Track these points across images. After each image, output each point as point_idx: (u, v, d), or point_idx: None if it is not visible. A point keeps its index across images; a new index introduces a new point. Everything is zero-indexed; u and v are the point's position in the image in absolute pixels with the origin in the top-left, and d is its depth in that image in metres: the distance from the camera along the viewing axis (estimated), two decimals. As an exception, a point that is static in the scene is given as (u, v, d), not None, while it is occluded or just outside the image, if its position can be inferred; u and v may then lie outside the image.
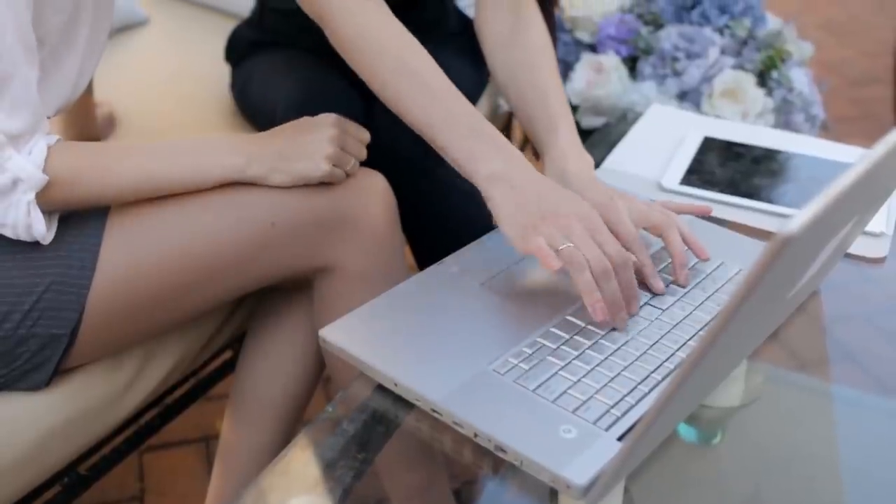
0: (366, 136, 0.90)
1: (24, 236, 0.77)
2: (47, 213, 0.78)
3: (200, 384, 1.14)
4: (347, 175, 0.88)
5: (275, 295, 1.01)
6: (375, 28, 0.83)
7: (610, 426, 0.64)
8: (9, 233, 0.77)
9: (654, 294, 0.78)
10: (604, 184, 0.85)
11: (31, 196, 0.76)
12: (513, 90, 0.99)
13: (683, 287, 0.79)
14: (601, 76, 1.43)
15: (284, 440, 1.00)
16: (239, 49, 1.33)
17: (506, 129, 1.66)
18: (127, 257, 0.81)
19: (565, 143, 0.91)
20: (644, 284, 0.79)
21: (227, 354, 1.15)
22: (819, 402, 0.78)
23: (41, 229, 0.77)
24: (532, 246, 0.73)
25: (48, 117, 0.81)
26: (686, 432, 0.71)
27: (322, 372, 1.03)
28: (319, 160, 0.84)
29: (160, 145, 0.84)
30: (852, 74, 2.92)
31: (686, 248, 0.81)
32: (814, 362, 0.80)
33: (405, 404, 0.69)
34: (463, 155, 0.79)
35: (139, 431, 1.05)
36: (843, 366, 0.79)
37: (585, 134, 1.17)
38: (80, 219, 0.82)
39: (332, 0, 0.83)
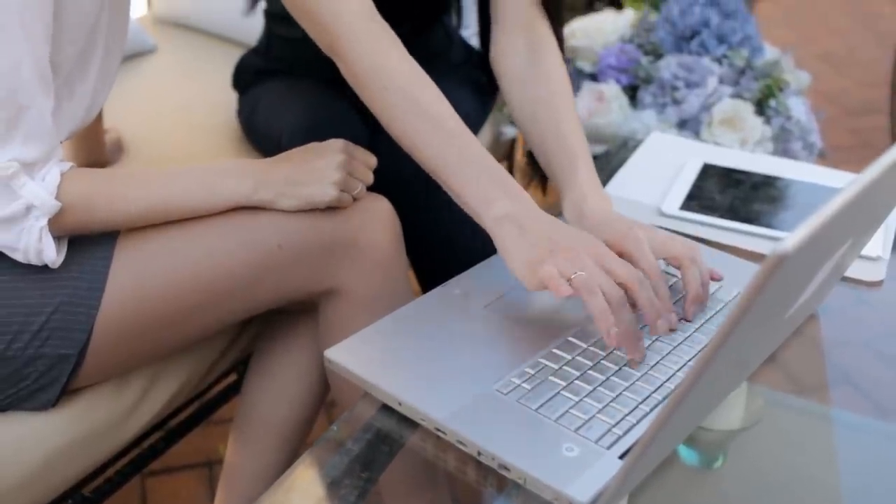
0: (373, 161, 0.91)
1: (34, 261, 0.79)
2: (57, 237, 0.80)
3: (205, 407, 1.15)
4: (354, 199, 0.90)
5: (280, 318, 1.02)
6: (390, 65, 0.84)
7: (612, 445, 0.65)
8: (20, 257, 0.78)
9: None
10: (623, 217, 0.85)
11: (44, 222, 0.77)
12: (531, 128, 1.00)
13: (689, 321, 0.80)
14: (602, 105, 1.45)
15: (288, 463, 1.01)
16: (246, 77, 1.36)
17: (508, 157, 1.68)
18: (135, 279, 0.83)
19: (584, 183, 0.91)
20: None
21: (232, 378, 1.16)
22: (820, 425, 0.78)
23: (51, 255, 0.79)
24: (542, 274, 0.73)
25: (59, 141, 0.82)
26: (688, 455, 0.71)
27: (326, 395, 1.04)
28: (327, 185, 0.86)
29: (169, 172, 0.85)
30: (850, 105, 2.95)
31: (700, 286, 0.80)
32: (813, 386, 0.80)
33: (409, 424, 0.70)
34: (472, 197, 0.80)
35: (143, 454, 1.06)
36: (842, 390, 0.80)
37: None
38: (89, 241, 0.83)
39: (347, 35, 0.84)
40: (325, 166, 0.86)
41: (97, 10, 0.82)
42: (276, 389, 1.01)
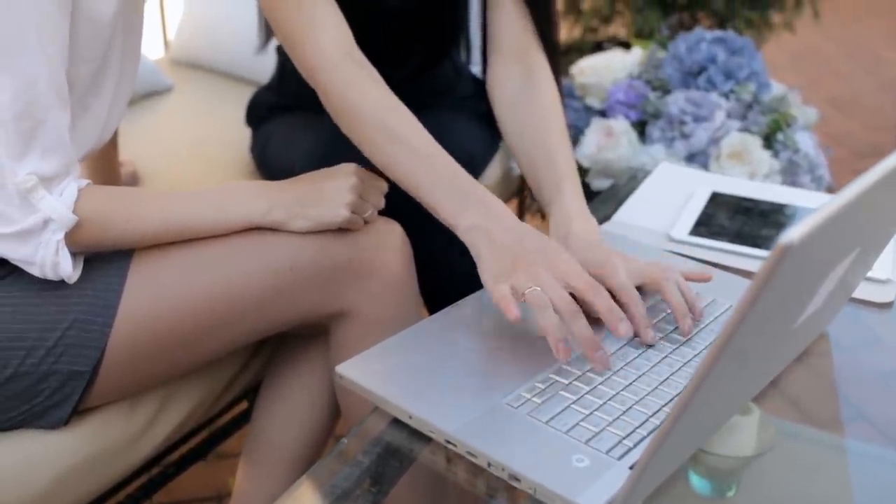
0: (383, 185, 0.93)
1: (50, 275, 0.80)
2: (73, 253, 0.81)
3: (215, 435, 1.14)
4: (366, 222, 0.91)
5: (291, 342, 1.02)
6: (362, 97, 0.88)
7: (622, 456, 0.65)
8: (36, 272, 0.80)
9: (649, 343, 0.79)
10: (605, 245, 0.87)
11: (60, 236, 0.78)
12: (521, 150, 1.02)
13: (685, 336, 0.80)
14: (611, 139, 1.47)
15: (297, 488, 1.00)
16: (259, 112, 1.38)
17: (519, 192, 1.69)
18: (148, 298, 0.84)
19: (570, 205, 0.93)
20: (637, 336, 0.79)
21: (243, 406, 1.16)
22: (833, 455, 0.78)
23: (67, 268, 0.80)
24: (496, 295, 0.76)
25: (77, 159, 0.84)
26: (700, 485, 0.71)
27: (337, 420, 1.04)
28: (339, 206, 0.87)
29: (184, 192, 0.87)
30: (857, 147, 2.97)
31: (684, 302, 0.81)
32: (824, 413, 0.80)
33: (419, 438, 0.70)
34: (444, 210, 0.83)
35: (153, 479, 1.06)
36: (857, 425, 0.79)
37: (595, 195, 1.20)
38: (104, 259, 0.84)
39: (325, 69, 0.89)
40: (337, 188, 0.88)
41: (111, 31, 0.84)
42: (287, 414, 1.01)
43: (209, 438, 1.14)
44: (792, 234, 0.44)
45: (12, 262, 0.80)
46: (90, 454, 0.87)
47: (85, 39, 0.81)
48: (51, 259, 0.78)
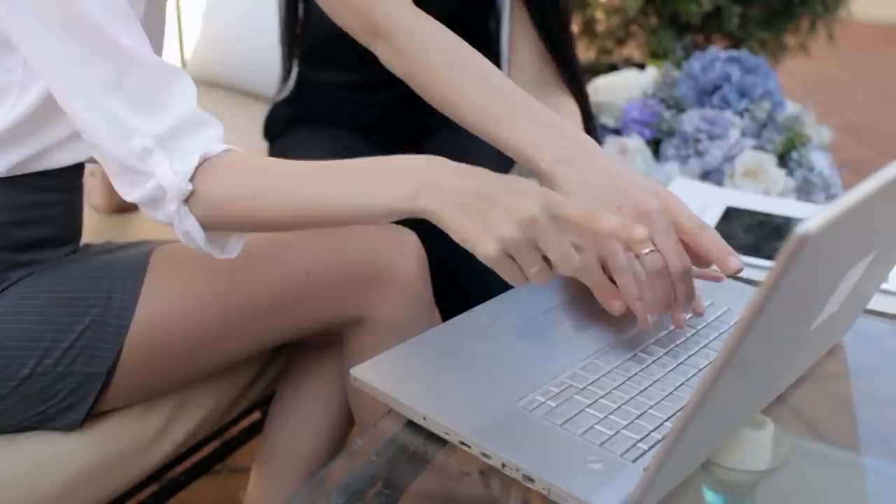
0: (590, 224, 0.66)
1: (194, 246, 0.75)
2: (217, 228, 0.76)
3: (227, 444, 1.14)
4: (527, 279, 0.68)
5: (305, 353, 1.03)
6: (430, 30, 0.86)
7: (637, 458, 0.65)
8: (182, 240, 0.76)
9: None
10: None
11: (176, 206, 0.73)
12: None
13: (700, 315, 0.80)
14: (625, 157, 1.47)
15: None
16: (277, 125, 1.39)
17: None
18: (164, 301, 0.84)
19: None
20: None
21: (256, 416, 1.16)
22: (851, 473, 0.77)
23: (200, 235, 0.74)
24: (595, 277, 0.72)
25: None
26: (714, 499, 0.70)
27: (350, 430, 1.04)
28: (488, 237, 0.65)
29: (318, 168, 0.74)
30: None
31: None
32: (840, 430, 0.79)
33: (433, 440, 0.70)
34: (523, 142, 0.77)
35: (165, 487, 1.06)
36: (875, 448, 0.78)
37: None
38: (122, 261, 0.85)
39: (388, 10, 0.86)
40: (508, 211, 0.65)
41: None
42: (300, 424, 1.01)
43: (221, 448, 1.14)
44: (809, 224, 0.44)
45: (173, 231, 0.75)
46: (104, 458, 0.87)
47: None
48: (180, 228, 0.74)
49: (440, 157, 0.72)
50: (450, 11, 1.19)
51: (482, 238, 0.66)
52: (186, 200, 0.73)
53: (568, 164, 0.75)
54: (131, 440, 0.90)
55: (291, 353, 1.04)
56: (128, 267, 0.85)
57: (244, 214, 0.74)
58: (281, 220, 0.75)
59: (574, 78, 1.11)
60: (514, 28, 1.11)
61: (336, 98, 1.32)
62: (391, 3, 0.88)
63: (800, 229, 0.44)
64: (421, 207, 0.69)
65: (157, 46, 0.94)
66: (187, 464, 1.08)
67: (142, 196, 0.74)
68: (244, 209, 0.74)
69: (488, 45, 1.30)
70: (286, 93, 1.40)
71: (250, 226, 0.77)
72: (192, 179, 0.72)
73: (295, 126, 1.36)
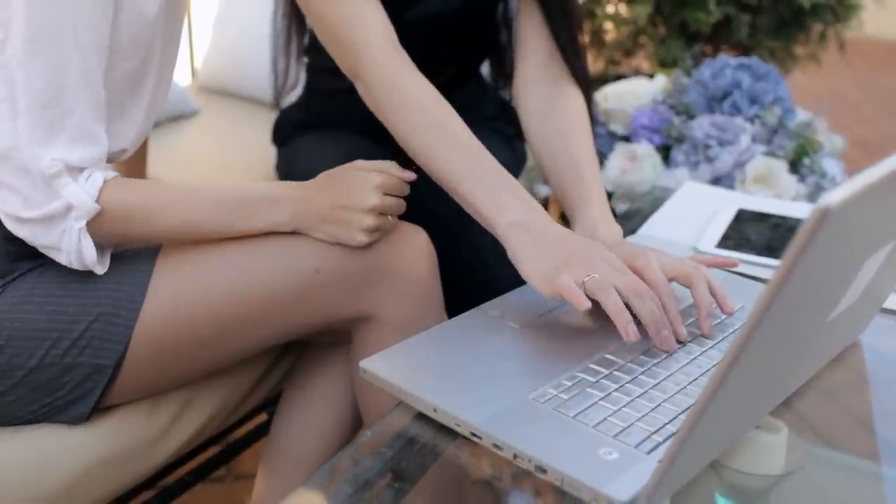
0: (407, 183, 0.90)
1: (76, 263, 0.80)
2: (101, 245, 0.81)
3: (233, 446, 1.13)
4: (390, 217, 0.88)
5: (313, 352, 1.02)
6: (408, 85, 0.89)
7: (652, 450, 0.64)
8: (63, 259, 0.80)
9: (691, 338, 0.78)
10: (633, 242, 0.87)
11: (83, 224, 0.79)
12: (547, 158, 1.03)
13: (708, 338, 0.79)
14: (634, 164, 1.47)
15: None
16: (285, 130, 1.39)
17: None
18: (173, 295, 0.83)
19: (596, 213, 0.93)
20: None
21: (261, 418, 1.15)
22: (866, 479, 0.75)
23: (91, 256, 0.80)
24: (559, 284, 0.75)
25: (118, 155, 0.84)
26: (726, 504, 0.69)
27: (357, 430, 1.03)
28: (357, 232, 0.86)
29: (210, 192, 0.86)
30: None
31: (713, 301, 0.80)
32: (856, 437, 0.77)
33: (443, 432, 0.69)
34: (485, 205, 0.83)
35: (169, 487, 1.05)
36: (886, 445, 0.77)
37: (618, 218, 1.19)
38: (132, 254, 0.85)
39: (370, 56, 0.89)
40: (356, 214, 0.85)
41: (153, 30, 0.85)
42: (307, 423, 1.00)
43: (226, 450, 1.13)
44: (831, 197, 0.43)
45: (41, 249, 0.80)
46: (110, 452, 0.86)
47: (128, 35, 0.83)
48: (74, 246, 0.79)
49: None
50: (463, 2, 1.19)
51: (352, 232, 0.86)
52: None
53: (521, 229, 0.80)
54: (138, 436, 0.89)
55: (299, 352, 1.03)
56: (137, 259, 0.84)
57: (137, 232, 0.82)
58: (172, 238, 0.85)
59: (581, 69, 1.11)
60: (521, 18, 1.11)
61: (343, 104, 1.32)
62: (378, 46, 0.90)
63: (822, 202, 0.43)
64: (296, 227, 0.86)
65: (173, 55, 0.94)
66: (192, 464, 1.07)
67: (42, 213, 0.77)
68: (139, 227, 0.82)
69: (495, 38, 1.30)
70: (294, 98, 1.40)
71: (142, 242, 0.86)
72: (97, 200, 0.79)
73: (303, 131, 1.36)
